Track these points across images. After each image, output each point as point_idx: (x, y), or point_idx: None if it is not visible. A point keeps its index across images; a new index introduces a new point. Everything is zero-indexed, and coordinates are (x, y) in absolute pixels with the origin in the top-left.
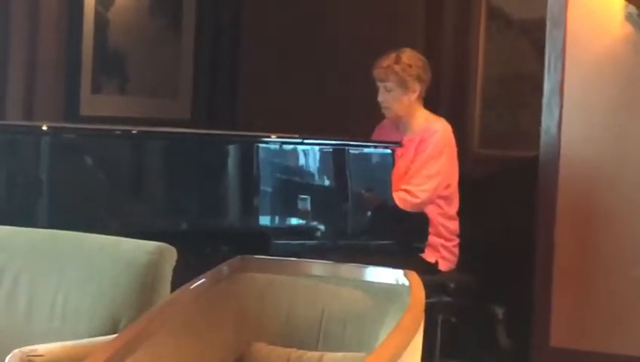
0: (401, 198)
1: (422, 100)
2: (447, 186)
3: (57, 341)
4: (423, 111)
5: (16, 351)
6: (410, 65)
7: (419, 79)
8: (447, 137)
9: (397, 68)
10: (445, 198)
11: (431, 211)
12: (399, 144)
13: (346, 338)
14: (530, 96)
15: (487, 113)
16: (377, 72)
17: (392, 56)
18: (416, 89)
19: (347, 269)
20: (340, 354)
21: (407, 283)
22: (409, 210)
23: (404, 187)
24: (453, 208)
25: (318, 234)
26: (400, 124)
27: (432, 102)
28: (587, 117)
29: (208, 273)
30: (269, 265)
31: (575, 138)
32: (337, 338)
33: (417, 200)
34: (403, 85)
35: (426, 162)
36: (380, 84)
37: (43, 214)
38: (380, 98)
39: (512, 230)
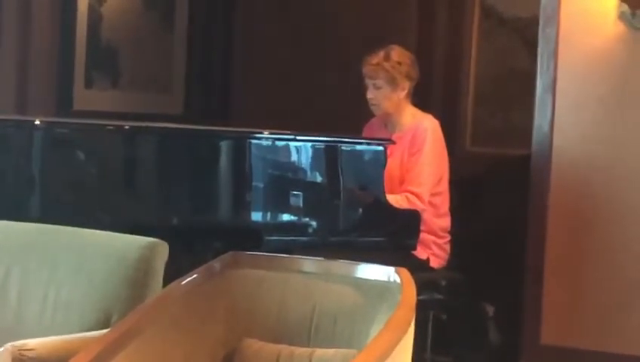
0: (412, 202)
1: (410, 97)
2: (439, 182)
3: (48, 335)
4: (411, 108)
5: (7, 345)
6: (399, 63)
7: (408, 77)
8: (437, 134)
9: (387, 65)
10: (438, 195)
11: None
12: (392, 141)
13: (337, 334)
14: (523, 95)
15: (480, 111)
16: (367, 69)
17: (382, 53)
18: (405, 86)
19: (339, 266)
20: (330, 351)
21: (398, 280)
22: (412, 208)
23: (412, 189)
24: (445, 205)
25: (310, 230)
26: (388, 121)
27: (424, 100)
28: (580, 115)
29: (200, 269)
30: (261, 261)
31: (567, 136)
32: (328, 334)
33: (424, 205)
34: (392, 83)
35: (424, 162)
36: (369, 82)
37: (35, 208)
38: (369, 95)
39: (503, 228)
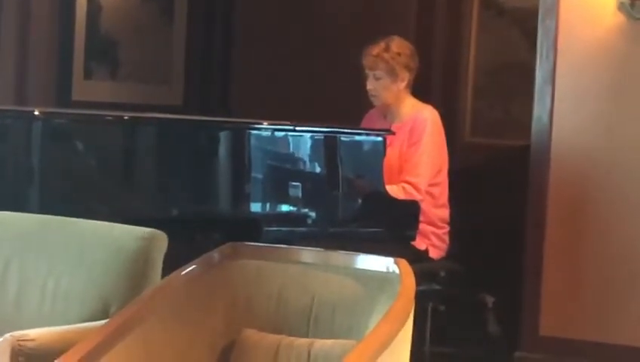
0: (408, 192)
1: (410, 88)
2: (438, 172)
3: (48, 326)
4: (411, 99)
5: (6, 335)
6: (399, 54)
7: (407, 68)
8: (437, 124)
9: (386, 56)
10: (437, 185)
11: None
12: (391, 132)
13: (336, 325)
14: (522, 85)
15: (479, 102)
16: (367, 60)
17: (382, 44)
18: (405, 77)
19: (338, 257)
20: (329, 341)
21: (397, 271)
22: (410, 199)
23: (409, 179)
24: (444, 195)
25: (309, 221)
26: (388, 112)
27: (423, 91)
28: (579, 106)
29: (199, 259)
30: (260, 251)
31: (566, 127)
32: (327, 325)
33: (421, 196)
34: (392, 73)
35: (424, 152)
36: (369, 72)
37: (34, 199)
38: (369, 86)
39: (502, 219)
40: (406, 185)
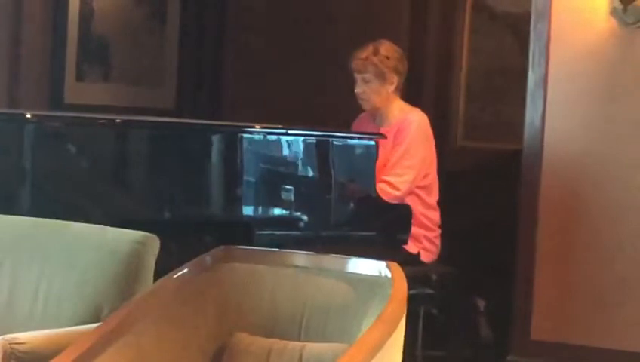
0: (382, 190)
1: (399, 92)
2: (426, 176)
3: (39, 329)
4: (400, 103)
5: None
6: (388, 58)
7: (396, 71)
8: (424, 127)
9: (375, 60)
10: (424, 188)
11: (411, 201)
12: (383, 136)
13: (328, 329)
14: (514, 89)
15: (471, 106)
16: (355, 64)
17: (370, 47)
18: (394, 81)
19: (330, 260)
20: (322, 345)
21: (389, 274)
22: (389, 201)
23: (385, 178)
24: (434, 198)
25: (302, 224)
26: (377, 115)
27: (416, 94)
28: (571, 110)
29: (191, 263)
30: (252, 255)
31: (558, 131)
32: (319, 329)
33: (398, 193)
34: (381, 77)
35: (405, 153)
36: (358, 76)
37: (26, 202)
38: (358, 90)
39: (494, 222)
40: (381, 185)
